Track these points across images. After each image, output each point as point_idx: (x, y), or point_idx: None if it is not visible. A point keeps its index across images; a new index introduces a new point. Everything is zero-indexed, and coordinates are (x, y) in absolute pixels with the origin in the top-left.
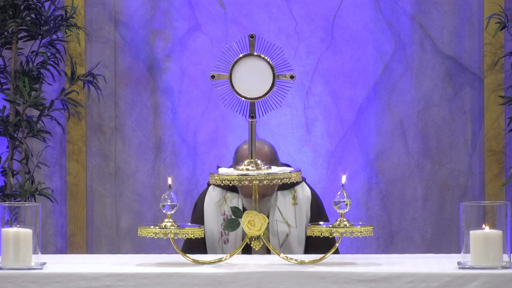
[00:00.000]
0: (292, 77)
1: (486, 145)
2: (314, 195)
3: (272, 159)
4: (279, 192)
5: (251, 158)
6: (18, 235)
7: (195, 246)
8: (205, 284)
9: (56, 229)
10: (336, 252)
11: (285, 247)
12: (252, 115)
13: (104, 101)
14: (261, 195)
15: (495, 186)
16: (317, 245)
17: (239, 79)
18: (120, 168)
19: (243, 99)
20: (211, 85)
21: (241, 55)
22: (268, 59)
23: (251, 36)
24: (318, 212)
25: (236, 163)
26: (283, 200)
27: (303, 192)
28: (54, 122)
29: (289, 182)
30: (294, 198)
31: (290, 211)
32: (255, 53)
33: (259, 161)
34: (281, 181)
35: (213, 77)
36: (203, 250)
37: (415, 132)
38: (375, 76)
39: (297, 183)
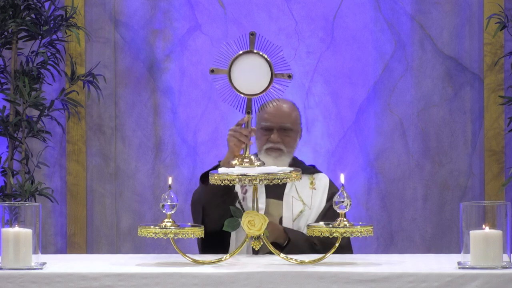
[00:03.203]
0: (289, 76)
1: (486, 145)
2: (332, 184)
3: (295, 122)
4: None
5: (245, 154)
6: (18, 235)
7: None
8: (205, 284)
9: (56, 229)
10: (350, 252)
11: (296, 224)
12: (249, 111)
13: (104, 101)
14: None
15: (495, 186)
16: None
17: (237, 75)
18: (120, 168)
19: (240, 94)
20: (211, 85)
21: (240, 52)
22: (267, 57)
23: (252, 34)
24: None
25: (258, 118)
26: (300, 181)
27: (322, 180)
28: (54, 122)
29: (289, 181)
30: (312, 183)
31: (307, 192)
32: (255, 51)
33: (252, 157)
34: (281, 181)
35: (212, 71)
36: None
37: (415, 132)
38: (375, 76)
39: (317, 171)
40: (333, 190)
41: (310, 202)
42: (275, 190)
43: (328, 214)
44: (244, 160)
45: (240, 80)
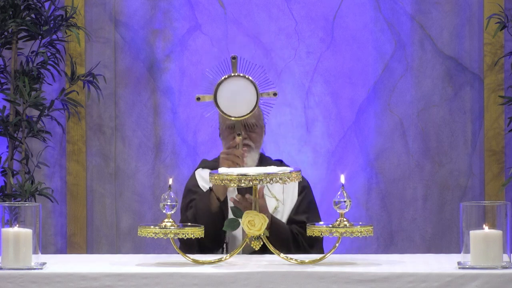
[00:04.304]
0: (275, 94)
1: (486, 145)
2: (302, 177)
3: (259, 118)
4: None
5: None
6: (18, 235)
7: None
8: (205, 284)
9: (56, 229)
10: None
11: None
12: (239, 133)
13: (104, 101)
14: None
15: (495, 186)
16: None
17: (224, 99)
18: (120, 168)
19: (229, 118)
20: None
21: (224, 77)
22: (251, 79)
23: (233, 58)
24: (305, 194)
25: (221, 123)
26: None
27: None
28: (54, 122)
29: (289, 181)
30: None
31: (279, 188)
32: (238, 74)
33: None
34: (281, 181)
35: (198, 99)
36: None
37: (415, 132)
38: (375, 76)
39: (285, 166)
40: (303, 184)
41: (283, 197)
42: (248, 190)
43: (300, 208)
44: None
45: (227, 104)
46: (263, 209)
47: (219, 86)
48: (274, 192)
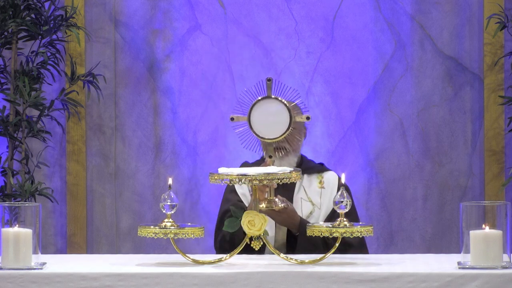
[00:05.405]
0: (308, 118)
1: (486, 145)
2: (341, 181)
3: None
4: (305, 175)
5: (270, 196)
6: (18, 235)
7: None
8: (205, 284)
9: (56, 229)
10: (365, 251)
11: None
12: (270, 155)
13: (104, 101)
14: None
15: (495, 186)
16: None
17: (257, 120)
18: (120, 168)
19: (261, 140)
20: (211, 85)
21: (259, 98)
22: (285, 101)
23: (269, 80)
24: None
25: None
26: (308, 181)
27: (330, 178)
28: (54, 122)
29: (289, 182)
30: (321, 182)
31: (316, 192)
32: (272, 96)
33: (277, 199)
34: (281, 181)
35: (232, 119)
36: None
37: (415, 132)
38: (375, 76)
39: (325, 170)
40: (341, 187)
41: (319, 201)
42: (285, 193)
43: (336, 214)
44: (271, 203)
45: (260, 126)
46: (292, 212)
47: (253, 107)
48: (311, 196)
